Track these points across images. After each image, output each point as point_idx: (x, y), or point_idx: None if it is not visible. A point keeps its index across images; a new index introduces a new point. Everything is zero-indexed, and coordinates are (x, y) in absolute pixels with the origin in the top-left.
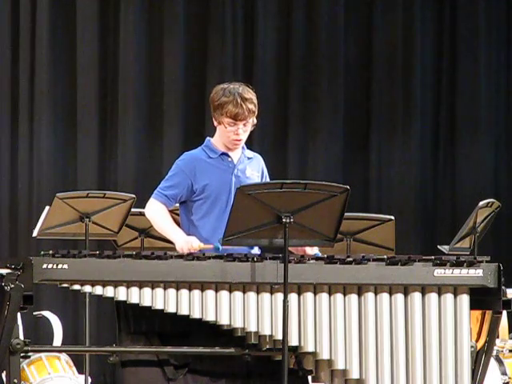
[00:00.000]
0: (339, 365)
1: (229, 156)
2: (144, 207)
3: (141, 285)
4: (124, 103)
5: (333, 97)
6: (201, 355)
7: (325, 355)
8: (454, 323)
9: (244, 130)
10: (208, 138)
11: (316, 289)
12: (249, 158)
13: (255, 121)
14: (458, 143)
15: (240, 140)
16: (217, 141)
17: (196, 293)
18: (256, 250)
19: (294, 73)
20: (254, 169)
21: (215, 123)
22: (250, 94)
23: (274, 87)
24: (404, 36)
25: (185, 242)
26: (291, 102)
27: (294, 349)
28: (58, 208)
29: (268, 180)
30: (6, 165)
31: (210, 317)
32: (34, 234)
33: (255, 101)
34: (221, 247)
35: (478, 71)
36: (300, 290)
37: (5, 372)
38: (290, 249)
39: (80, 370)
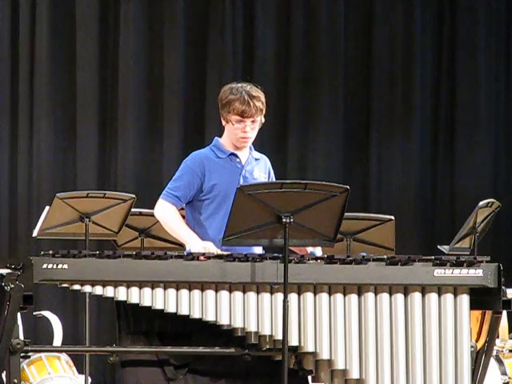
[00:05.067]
0: (339, 365)
1: (237, 156)
2: (144, 207)
3: (141, 285)
4: (124, 103)
5: (333, 97)
6: (201, 355)
7: (325, 355)
8: (453, 323)
9: (252, 128)
10: (216, 137)
11: (316, 289)
12: (256, 159)
13: (263, 120)
14: (458, 143)
15: (248, 138)
16: (225, 141)
17: (196, 293)
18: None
19: (293, 73)
20: (261, 170)
21: (223, 122)
22: (258, 93)
23: (274, 87)
24: (404, 36)
25: (203, 249)
26: (291, 102)
27: (294, 349)
28: (58, 208)
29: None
30: (5, 165)
31: (210, 317)
32: (34, 234)
33: (263, 99)
34: None
35: (478, 71)
36: (300, 289)
37: (5, 372)
38: (292, 249)
39: (80, 370)
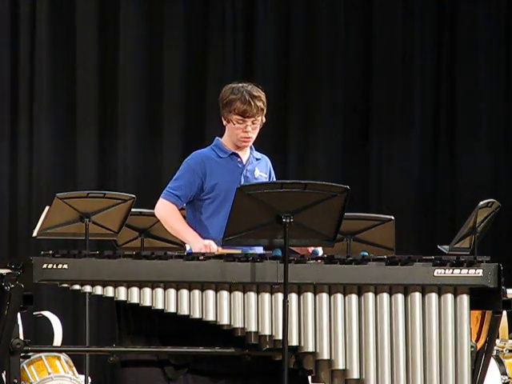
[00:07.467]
0: (339, 365)
1: (238, 156)
2: (144, 207)
3: (141, 285)
4: (124, 103)
5: (333, 97)
6: (201, 355)
7: (325, 355)
8: (453, 323)
9: (253, 128)
10: (217, 137)
11: (316, 289)
12: (257, 159)
13: (264, 120)
14: (458, 143)
15: (249, 138)
16: (226, 140)
17: (196, 293)
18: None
19: (293, 73)
20: (262, 170)
21: (224, 122)
22: (259, 93)
23: (274, 87)
24: (404, 36)
25: (204, 246)
26: (291, 102)
27: (294, 349)
28: (57, 208)
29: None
30: (5, 165)
31: (210, 317)
32: (34, 233)
33: (264, 99)
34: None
35: (478, 71)
36: (300, 289)
37: (5, 372)
38: (293, 248)
39: (80, 370)
